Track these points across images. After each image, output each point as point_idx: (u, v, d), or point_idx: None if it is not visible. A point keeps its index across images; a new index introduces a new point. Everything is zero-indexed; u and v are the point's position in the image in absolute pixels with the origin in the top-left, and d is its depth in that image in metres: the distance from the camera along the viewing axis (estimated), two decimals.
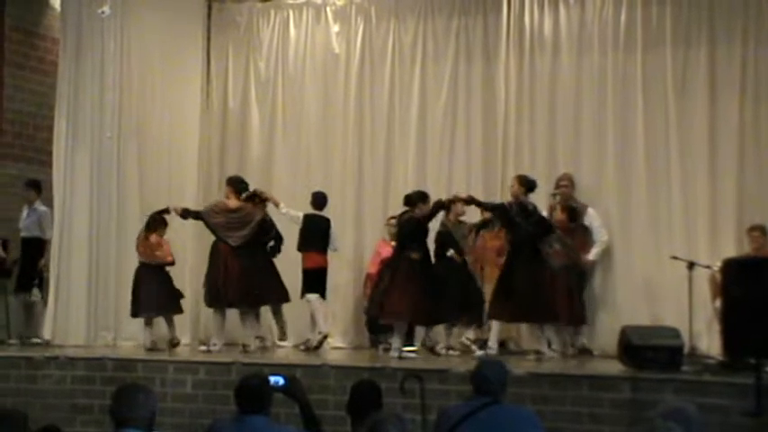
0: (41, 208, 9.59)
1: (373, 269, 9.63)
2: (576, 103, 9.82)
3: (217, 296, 9.16)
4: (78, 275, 9.39)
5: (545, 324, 8.65)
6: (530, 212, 8.60)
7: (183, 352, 9.33)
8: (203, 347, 9.32)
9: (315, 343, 9.31)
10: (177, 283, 9.42)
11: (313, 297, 9.34)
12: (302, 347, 9.44)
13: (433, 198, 8.89)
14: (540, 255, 8.59)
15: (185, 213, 9.26)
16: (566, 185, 9.44)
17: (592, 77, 9.76)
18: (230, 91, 10.88)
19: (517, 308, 8.49)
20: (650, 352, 7.57)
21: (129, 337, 9.46)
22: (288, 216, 9.46)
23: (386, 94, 10.42)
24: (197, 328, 10.13)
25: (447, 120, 10.22)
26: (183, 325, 9.98)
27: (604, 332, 9.14)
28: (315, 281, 9.36)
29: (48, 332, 9.28)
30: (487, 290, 9.02)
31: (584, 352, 9.12)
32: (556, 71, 9.88)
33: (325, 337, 9.39)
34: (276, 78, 10.74)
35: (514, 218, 8.55)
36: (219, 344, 9.15)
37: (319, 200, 9.52)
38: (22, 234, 9.59)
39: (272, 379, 4.16)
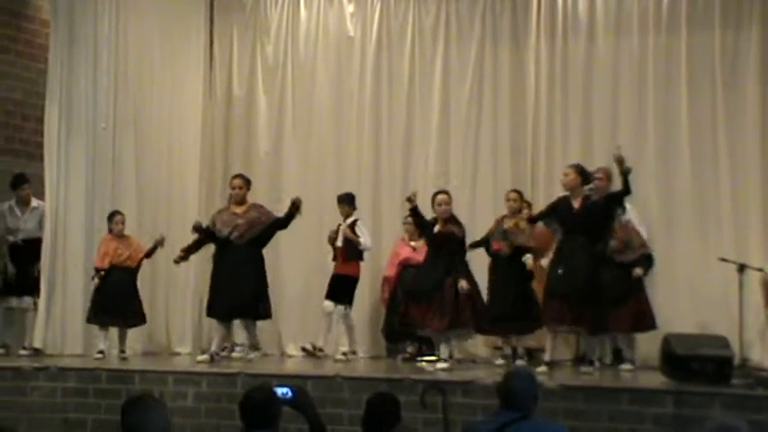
0: (42, 205, 9.47)
1: (391, 271, 9.66)
2: (613, 90, 9.83)
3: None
4: (74, 278, 9.36)
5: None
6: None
7: (183, 362, 9.34)
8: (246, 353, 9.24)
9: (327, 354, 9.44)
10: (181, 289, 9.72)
11: (339, 309, 9.30)
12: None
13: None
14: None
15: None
16: (600, 178, 9.36)
17: (631, 62, 9.78)
18: (235, 78, 10.91)
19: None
20: (696, 363, 7.51)
21: (127, 346, 9.34)
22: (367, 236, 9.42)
23: (405, 81, 10.44)
24: (199, 336, 10.17)
25: (471, 109, 10.23)
26: (183, 333, 10.12)
27: (645, 341, 9.05)
28: (347, 289, 9.36)
29: (38, 341, 9.21)
30: None
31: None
32: (591, 55, 9.93)
33: (322, 349, 9.50)
34: (285, 64, 10.76)
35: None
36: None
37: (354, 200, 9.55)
38: (21, 236, 9.42)
39: (279, 391, 4.16)
